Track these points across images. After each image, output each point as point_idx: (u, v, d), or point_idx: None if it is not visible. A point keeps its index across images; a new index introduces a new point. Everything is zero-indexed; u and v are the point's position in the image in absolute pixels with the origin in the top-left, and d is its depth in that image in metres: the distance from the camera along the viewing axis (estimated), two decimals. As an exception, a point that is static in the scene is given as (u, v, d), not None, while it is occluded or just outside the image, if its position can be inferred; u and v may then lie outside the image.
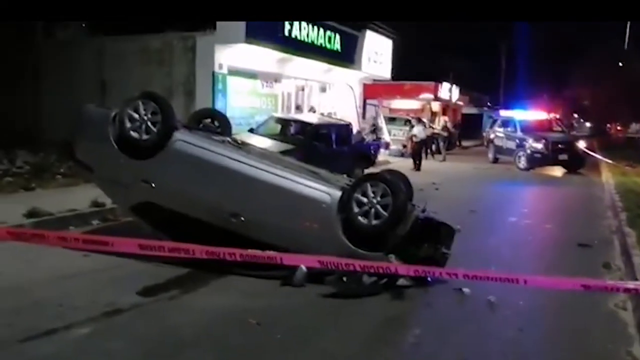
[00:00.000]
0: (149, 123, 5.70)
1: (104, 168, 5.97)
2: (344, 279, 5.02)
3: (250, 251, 4.18)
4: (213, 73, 12.89)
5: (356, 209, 5.26)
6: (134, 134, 5.72)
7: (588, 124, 53.61)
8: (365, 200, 5.26)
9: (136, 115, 5.72)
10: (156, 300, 4.77)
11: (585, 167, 18.01)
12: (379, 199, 5.23)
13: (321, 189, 5.45)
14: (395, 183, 5.41)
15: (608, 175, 15.52)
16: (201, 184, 5.62)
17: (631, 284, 4.99)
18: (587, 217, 9.87)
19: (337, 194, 5.39)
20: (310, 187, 5.46)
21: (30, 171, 9.86)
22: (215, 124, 7.04)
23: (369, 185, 5.31)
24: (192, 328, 4.21)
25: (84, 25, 15.93)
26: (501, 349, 4.14)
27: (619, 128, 49.79)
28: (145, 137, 5.70)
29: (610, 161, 17.95)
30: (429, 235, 5.53)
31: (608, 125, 48.89)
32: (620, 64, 37.40)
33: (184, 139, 5.72)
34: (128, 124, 5.72)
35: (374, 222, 5.21)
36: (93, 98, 11.47)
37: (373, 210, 5.22)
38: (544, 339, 4.41)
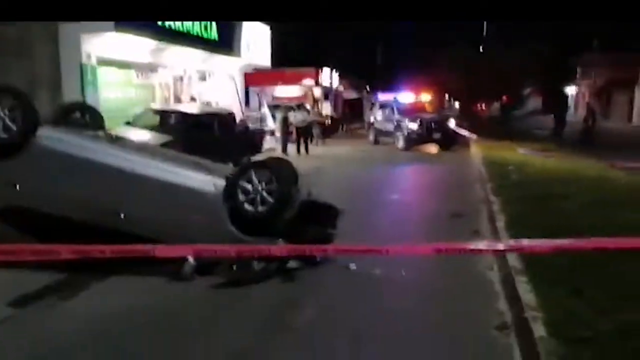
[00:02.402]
0: (6, 120, 5.20)
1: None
2: (234, 267, 5.02)
3: (120, 246, 3.97)
4: (81, 64, 12.02)
5: (242, 197, 5.25)
6: (-11, 133, 5.20)
7: (457, 105, 57.65)
8: (250, 187, 5.26)
9: (-10, 112, 5.20)
10: (31, 309, 4.42)
11: (457, 144, 19.43)
12: (264, 185, 5.25)
13: (204, 180, 5.36)
14: (279, 169, 5.47)
15: (476, 151, 16.90)
16: (73, 183, 5.26)
17: (482, 245, 5.57)
18: (459, 190, 10.68)
19: (222, 183, 5.33)
20: (192, 178, 5.35)
21: None
22: (86, 117, 6.61)
23: (253, 172, 5.32)
24: (76, 335, 3.97)
25: None
26: (389, 319, 4.39)
27: (483, 108, 54.12)
28: (3, 135, 5.20)
29: (475, 136, 19.47)
30: (315, 217, 5.67)
31: (474, 105, 52.94)
32: (481, 49, 40.69)
33: (49, 136, 5.31)
34: (-19, 122, 5.19)
35: (260, 208, 5.23)
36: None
37: (259, 196, 5.24)
38: (425, 304, 4.74)
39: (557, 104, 25.03)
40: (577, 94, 48.55)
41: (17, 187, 5.19)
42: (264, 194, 5.23)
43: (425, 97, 24.44)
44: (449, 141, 18.99)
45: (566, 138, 18.39)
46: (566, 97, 49.78)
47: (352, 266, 5.38)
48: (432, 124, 19.00)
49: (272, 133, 19.59)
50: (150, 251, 3.59)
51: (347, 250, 3.85)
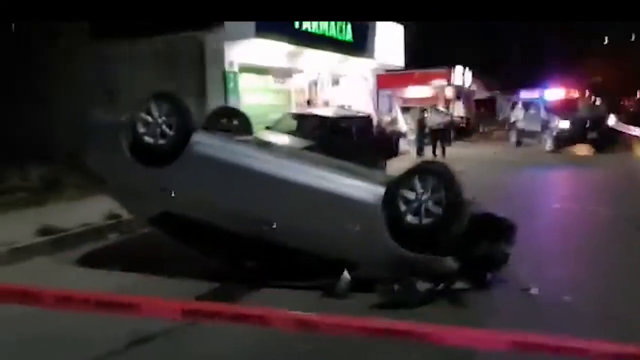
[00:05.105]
0: (163, 126, 5.16)
1: (117, 178, 5.43)
2: (395, 287, 4.45)
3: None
4: (224, 72, 12.34)
5: (403, 207, 4.64)
6: (148, 139, 5.17)
7: (598, 101, 52.38)
8: (413, 196, 4.64)
9: (150, 118, 5.18)
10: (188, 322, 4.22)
11: (616, 144, 17.15)
12: (429, 194, 4.60)
13: (361, 187, 4.85)
14: (447, 175, 4.76)
15: (642, 152, 14.78)
16: (226, 190, 5.05)
17: None
18: (633, 196, 9.16)
19: (380, 190, 4.79)
20: (348, 185, 4.87)
21: (39, 185, 9.36)
22: (235, 123, 6.48)
23: (416, 179, 4.69)
24: (232, 349, 3.76)
25: (82, 30, 15.41)
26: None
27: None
28: (160, 141, 5.16)
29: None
30: (487, 232, 4.90)
31: (622, 101, 47.79)
32: (632, 39, 36.37)
33: (204, 141, 5.17)
34: (141, 129, 5.18)
35: (425, 220, 4.59)
36: (99, 105, 10.98)
37: (423, 207, 4.60)
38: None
39: None
40: None
41: (172, 193, 5.10)
42: (430, 204, 4.59)
43: (575, 93, 22.17)
44: (606, 141, 16.85)
45: None
46: None
47: (534, 290, 4.55)
48: (587, 122, 17.01)
49: (405, 136, 18.92)
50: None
51: None
